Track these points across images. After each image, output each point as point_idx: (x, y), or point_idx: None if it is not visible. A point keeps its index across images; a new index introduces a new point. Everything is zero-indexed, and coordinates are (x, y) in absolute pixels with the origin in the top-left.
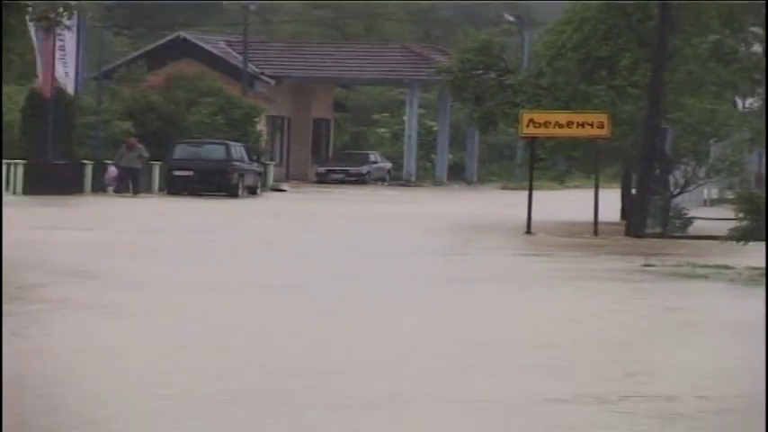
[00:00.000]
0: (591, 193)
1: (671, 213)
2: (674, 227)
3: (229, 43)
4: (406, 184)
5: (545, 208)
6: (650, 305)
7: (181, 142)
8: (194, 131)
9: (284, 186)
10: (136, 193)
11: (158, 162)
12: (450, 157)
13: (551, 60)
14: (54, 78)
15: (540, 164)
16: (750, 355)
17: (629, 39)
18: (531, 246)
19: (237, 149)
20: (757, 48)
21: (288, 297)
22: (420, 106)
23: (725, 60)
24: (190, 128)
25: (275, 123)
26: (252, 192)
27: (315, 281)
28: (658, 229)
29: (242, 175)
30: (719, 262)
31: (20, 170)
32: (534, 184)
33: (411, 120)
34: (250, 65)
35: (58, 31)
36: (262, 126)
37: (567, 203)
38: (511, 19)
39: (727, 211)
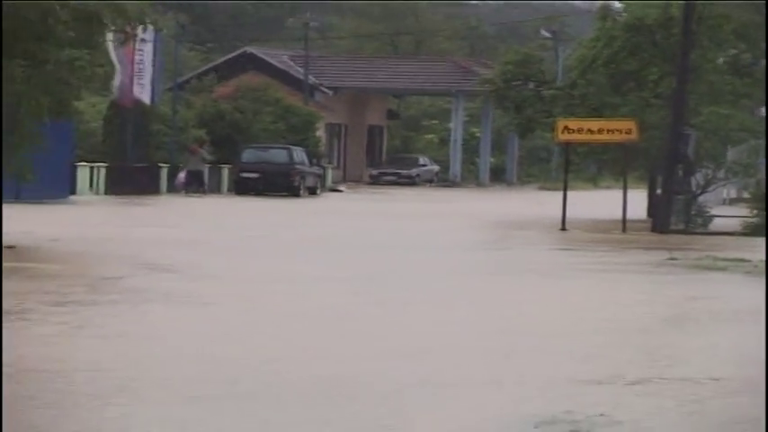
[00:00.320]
0: (620, 193)
1: (693, 211)
2: (695, 224)
3: (292, 57)
4: (452, 185)
5: (578, 207)
6: (674, 295)
7: (248, 147)
8: (260, 137)
9: (341, 187)
10: (202, 193)
11: (227, 165)
12: (492, 160)
13: (584, 73)
14: (133, 89)
15: (574, 167)
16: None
17: (654, 54)
18: (566, 241)
19: (299, 153)
20: None
21: (347, 288)
22: (465, 114)
23: (741, 73)
24: (256, 134)
25: (333, 130)
26: (312, 192)
27: (370, 273)
28: (681, 226)
29: (303, 177)
30: (737, 256)
31: (102, 172)
32: (568, 185)
33: (457, 126)
34: (310, 77)
35: (137, 46)
36: (321, 132)
37: (598, 203)
38: (547, 35)
39: (743, 210)
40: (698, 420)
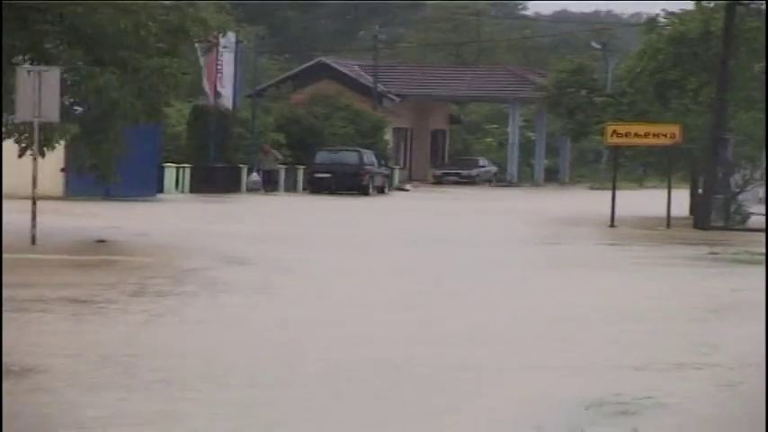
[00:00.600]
0: (664, 192)
1: (732, 209)
2: (734, 221)
3: (362, 67)
4: (509, 184)
5: (626, 205)
6: (714, 286)
7: (321, 149)
8: (332, 141)
9: (407, 186)
10: (273, 191)
11: (302, 166)
12: (546, 161)
13: (632, 82)
14: (215, 95)
15: (622, 168)
16: None
17: (695, 65)
18: (614, 237)
19: (368, 155)
20: None
21: (412, 280)
22: (521, 119)
23: None
24: (328, 138)
25: (400, 134)
26: (380, 191)
27: (434, 266)
28: (721, 223)
29: (372, 177)
30: None
31: (187, 172)
32: (617, 184)
33: (513, 130)
34: (379, 85)
35: (219, 56)
36: (388, 136)
37: (644, 201)
38: (597, 46)
39: None
40: (736, 403)
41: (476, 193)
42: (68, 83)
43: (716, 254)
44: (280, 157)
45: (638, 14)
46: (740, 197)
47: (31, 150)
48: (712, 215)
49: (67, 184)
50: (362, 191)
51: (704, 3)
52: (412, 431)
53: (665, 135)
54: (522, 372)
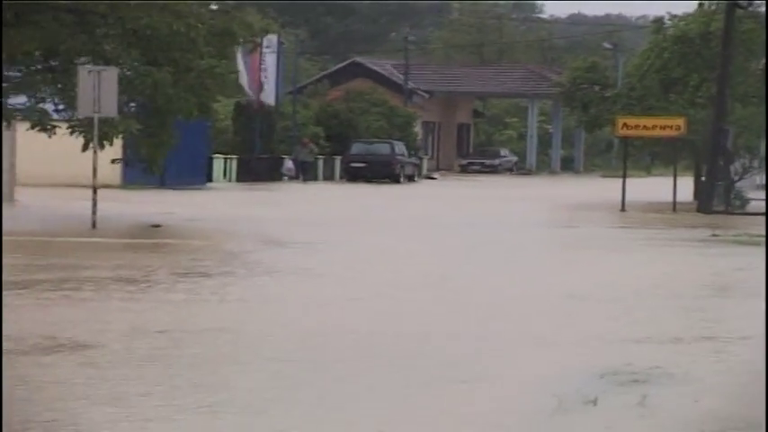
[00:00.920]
0: (670, 179)
1: (732, 195)
2: (734, 205)
3: (394, 65)
4: (528, 173)
5: (635, 191)
6: (717, 265)
7: (356, 141)
8: (366, 133)
9: (435, 175)
10: (309, 181)
11: (339, 156)
12: (562, 152)
13: (639, 79)
14: (259, 92)
15: (631, 157)
16: None
17: (697, 63)
18: (625, 220)
19: (399, 147)
20: None
21: (440, 259)
22: (539, 113)
23: None
24: (363, 130)
25: (428, 127)
26: (410, 179)
27: (460, 247)
28: (722, 208)
29: (403, 166)
30: None
31: (233, 163)
32: (627, 172)
33: (532, 123)
34: (409, 82)
35: (263, 57)
36: (418, 129)
37: (651, 188)
38: (608, 46)
39: None
40: (738, 373)
41: (498, 180)
42: (126, 81)
43: (717, 236)
44: (315, 149)
45: (644, 17)
46: (739, 184)
47: (92, 143)
48: (714, 200)
49: (125, 173)
50: (394, 179)
51: (705, 6)
52: (438, 399)
53: (671, 127)
54: (539, 344)
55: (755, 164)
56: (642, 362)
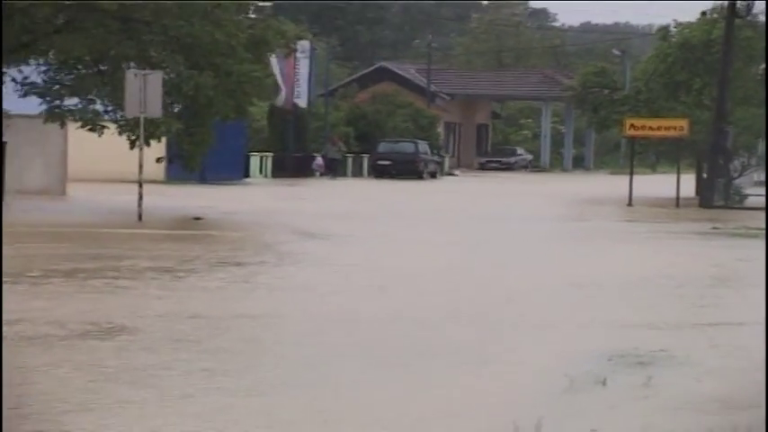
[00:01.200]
0: (674, 176)
1: (731, 191)
2: (733, 201)
3: (417, 70)
4: (542, 170)
5: (641, 187)
6: (717, 256)
7: (382, 141)
8: (392, 133)
9: (456, 172)
10: (337, 177)
11: (366, 154)
12: (573, 151)
13: (646, 83)
14: (292, 95)
15: (638, 156)
16: None
17: (699, 68)
18: (632, 214)
19: (423, 146)
20: None
21: (460, 249)
22: (552, 114)
23: None
24: (389, 130)
25: (449, 127)
26: (432, 176)
27: (479, 238)
28: (722, 203)
29: (426, 164)
30: (765, 226)
31: (269, 160)
32: (634, 170)
33: (546, 124)
34: (432, 85)
35: (297, 62)
36: (440, 129)
37: (656, 184)
38: (617, 53)
39: None
40: (737, 356)
41: (514, 177)
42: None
43: (718, 229)
44: (344, 148)
45: (650, 25)
46: (738, 181)
47: (138, 142)
48: (714, 196)
49: (168, 169)
50: (418, 176)
51: (707, 15)
52: (456, 378)
53: (675, 128)
54: (552, 329)
55: (753, 162)
56: (647, 346)
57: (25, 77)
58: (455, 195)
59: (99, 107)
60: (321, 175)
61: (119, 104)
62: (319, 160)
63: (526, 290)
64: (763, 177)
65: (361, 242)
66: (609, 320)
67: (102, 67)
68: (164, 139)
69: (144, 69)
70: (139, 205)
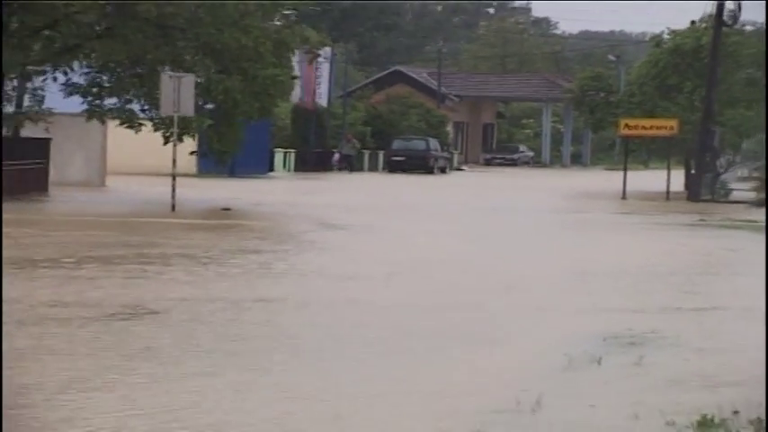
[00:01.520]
0: (664, 172)
1: (717, 186)
2: (719, 195)
3: (429, 73)
4: (543, 166)
5: (634, 182)
6: (704, 245)
7: (397, 138)
8: (406, 131)
9: (463, 167)
10: (353, 171)
11: (382, 151)
12: (572, 148)
13: (639, 86)
14: (313, 95)
15: (631, 153)
16: None
17: (689, 72)
18: (625, 206)
19: (433, 143)
20: None
21: (466, 239)
22: (552, 115)
23: (753, 85)
24: (403, 129)
25: (458, 126)
26: (442, 171)
27: (483, 229)
28: (709, 197)
29: (436, 160)
30: (748, 218)
31: (292, 156)
32: (627, 166)
33: (546, 124)
34: (442, 88)
35: (318, 65)
36: (449, 128)
37: (648, 179)
38: (612, 58)
39: (753, 185)
40: (724, 337)
41: (517, 172)
42: (202, 87)
43: (705, 220)
44: (358, 144)
45: (643, 33)
46: (724, 176)
47: (172, 138)
48: (702, 190)
49: (200, 164)
50: (429, 171)
51: (697, 23)
52: (461, 358)
53: (665, 128)
54: (549, 312)
55: (738, 159)
56: (640, 327)
57: (69, 78)
58: (463, 189)
59: (136, 106)
60: (339, 169)
61: (154, 104)
62: (336, 156)
63: (527, 277)
64: (746, 173)
65: (376, 232)
66: (603, 305)
67: (140, 70)
68: (195, 136)
69: (178, 72)
70: (173, 197)
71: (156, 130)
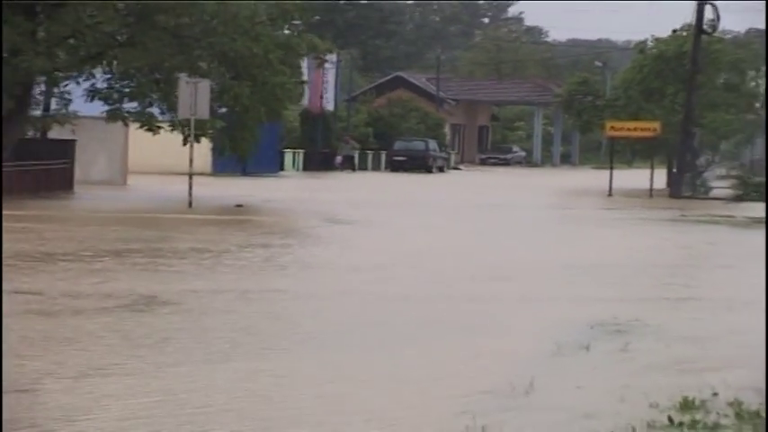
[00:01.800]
0: (648, 171)
1: (698, 184)
2: (699, 192)
3: (428, 79)
4: (534, 165)
5: (619, 180)
6: (685, 239)
7: (398, 139)
8: (406, 133)
9: (460, 167)
10: (353, 171)
11: (384, 151)
12: (561, 149)
13: (624, 91)
14: (321, 99)
15: (617, 153)
16: (752, 269)
17: (671, 77)
18: (611, 203)
19: (432, 144)
20: (752, 83)
21: (463, 232)
22: (543, 117)
23: (732, 90)
24: (404, 130)
25: (455, 128)
26: (440, 170)
27: (478, 223)
28: (689, 194)
29: (435, 159)
30: (726, 213)
31: (300, 156)
32: (613, 165)
33: (537, 126)
34: (440, 92)
35: (324, 71)
36: (447, 130)
37: (633, 177)
38: (599, 64)
39: (731, 183)
40: (703, 325)
41: (510, 171)
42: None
43: (686, 216)
44: (357, 145)
45: (628, 41)
46: (704, 175)
47: (189, 139)
48: (683, 188)
49: (215, 163)
50: (428, 170)
51: (678, 31)
52: (457, 345)
53: (649, 129)
54: (540, 302)
55: (717, 159)
56: (625, 316)
57: (92, 84)
58: (460, 187)
59: (155, 110)
60: (343, 169)
61: (172, 107)
62: (339, 158)
63: (519, 268)
64: (724, 172)
65: (378, 227)
66: (590, 295)
67: (158, 76)
68: (210, 137)
69: (194, 78)
70: (190, 194)
71: (173, 131)
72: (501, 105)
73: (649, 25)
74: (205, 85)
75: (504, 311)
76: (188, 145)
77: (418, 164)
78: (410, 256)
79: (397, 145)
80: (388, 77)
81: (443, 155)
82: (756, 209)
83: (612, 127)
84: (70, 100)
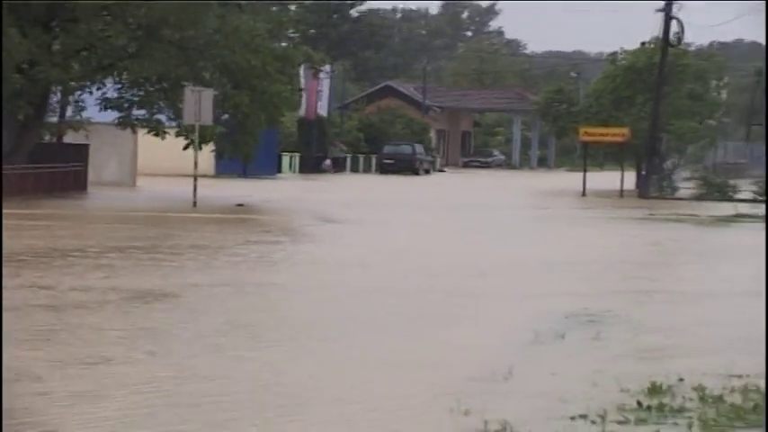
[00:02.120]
0: (618, 173)
1: (664, 184)
2: (666, 192)
3: (415, 88)
4: (513, 168)
5: (592, 182)
6: (653, 236)
7: (387, 144)
8: (394, 138)
9: (445, 169)
10: (341, 171)
11: (374, 155)
12: (538, 153)
13: (596, 99)
14: (316, 107)
15: (590, 157)
16: (716, 264)
17: (641, 86)
18: (584, 203)
19: (419, 148)
20: (714, 93)
21: (447, 230)
22: (521, 124)
23: (696, 99)
24: (392, 135)
25: (440, 134)
26: (426, 172)
27: (460, 221)
28: (657, 194)
29: (421, 163)
30: (691, 212)
31: (297, 159)
32: (587, 168)
33: (516, 131)
34: (426, 100)
35: (319, 81)
36: (432, 135)
37: (604, 179)
38: (574, 74)
39: (695, 184)
40: (671, 317)
41: (490, 174)
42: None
43: (653, 215)
44: (345, 148)
45: (600, 53)
46: (670, 177)
47: (193, 143)
48: (651, 189)
49: (217, 166)
50: (415, 172)
51: (647, 44)
52: (439, 335)
53: (619, 134)
54: (517, 295)
55: (682, 162)
56: (596, 308)
57: (104, 93)
58: (444, 188)
59: (162, 117)
60: (334, 172)
61: (178, 114)
62: (328, 161)
63: (498, 264)
64: (689, 174)
65: (368, 225)
66: (565, 288)
67: (165, 85)
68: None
69: (199, 87)
70: (194, 194)
71: (179, 136)
72: (482, 112)
73: (621, 38)
74: (209, 94)
75: (484, 304)
76: (191, 149)
77: (406, 166)
78: (397, 252)
79: (386, 149)
80: (378, 86)
81: (429, 158)
82: (719, 207)
83: (586, 132)
84: (84, 107)
